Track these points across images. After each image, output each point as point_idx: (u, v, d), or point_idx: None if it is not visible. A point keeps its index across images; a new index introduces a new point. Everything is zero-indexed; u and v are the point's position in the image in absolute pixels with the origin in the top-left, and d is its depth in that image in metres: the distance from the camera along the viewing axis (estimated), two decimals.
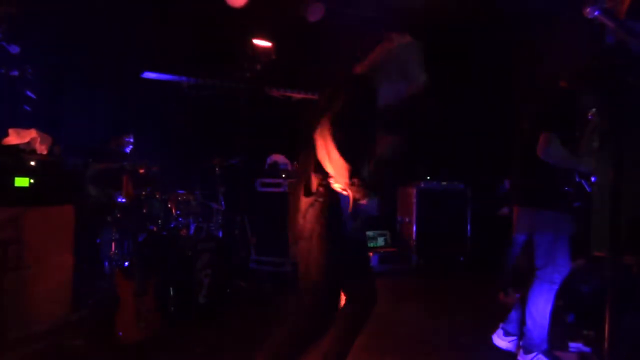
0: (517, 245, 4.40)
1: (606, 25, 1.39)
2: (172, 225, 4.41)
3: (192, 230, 4.59)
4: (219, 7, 5.47)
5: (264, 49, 5.57)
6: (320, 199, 2.12)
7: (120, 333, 3.23)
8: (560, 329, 3.52)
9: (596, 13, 1.38)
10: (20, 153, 3.39)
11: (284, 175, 5.87)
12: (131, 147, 4.96)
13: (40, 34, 4.69)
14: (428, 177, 6.62)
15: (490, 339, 3.41)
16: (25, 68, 4.39)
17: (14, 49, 4.37)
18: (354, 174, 2.00)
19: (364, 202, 2.06)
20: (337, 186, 2.10)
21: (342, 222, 2.13)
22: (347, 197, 2.08)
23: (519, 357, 3.17)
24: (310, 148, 2.16)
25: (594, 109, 3.09)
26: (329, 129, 2.01)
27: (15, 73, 4.47)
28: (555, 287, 3.03)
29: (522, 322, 3.17)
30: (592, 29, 1.48)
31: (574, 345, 3.36)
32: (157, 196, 4.43)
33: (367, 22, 6.37)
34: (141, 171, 4.52)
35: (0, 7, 4.15)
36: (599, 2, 1.37)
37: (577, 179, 2.99)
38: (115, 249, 4.20)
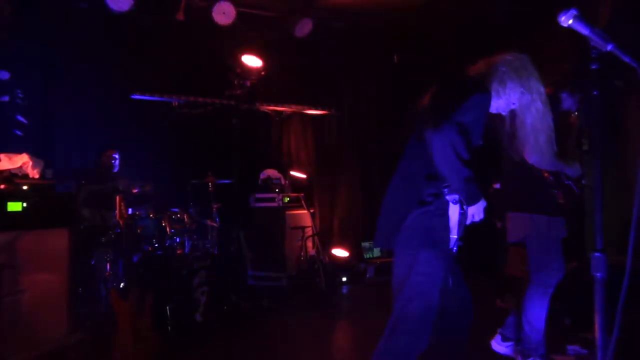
0: (508, 250, 4.44)
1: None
2: (167, 244, 4.40)
3: (187, 249, 4.58)
4: (207, 25, 5.53)
5: (253, 65, 5.63)
6: (432, 208, 2.01)
7: (118, 355, 3.21)
8: (558, 332, 3.53)
9: (570, 21, 1.42)
10: (13, 178, 3.40)
11: (277, 190, 5.89)
12: (117, 163, 4.97)
13: (29, 59, 4.72)
14: None
15: (489, 345, 3.42)
16: (15, 93, 4.42)
17: (4, 75, 4.40)
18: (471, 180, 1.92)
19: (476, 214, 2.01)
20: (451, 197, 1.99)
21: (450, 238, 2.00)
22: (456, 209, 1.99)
23: None
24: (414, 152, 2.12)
25: (576, 113, 3.15)
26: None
27: (6, 99, 4.50)
28: (550, 290, 3.05)
29: (519, 327, 3.19)
30: (574, 33, 1.52)
31: (571, 348, 3.37)
32: (151, 216, 4.43)
33: (355, 36, 6.46)
34: (134, 191, 4.52)
35: None
36: (572, 11, 1.42)
37: (565, 182, 3.02)
38: (110, 270, 4.18)
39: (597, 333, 1.59)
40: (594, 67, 1.50)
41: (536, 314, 3.04)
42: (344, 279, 5.86)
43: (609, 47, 1.45)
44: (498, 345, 3.37)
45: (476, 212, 2.02)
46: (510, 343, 3.31)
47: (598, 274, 1.57)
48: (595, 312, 1.66)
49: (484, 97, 2.09)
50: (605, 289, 1.64)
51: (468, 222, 2.04)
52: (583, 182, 3.11)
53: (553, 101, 3.09)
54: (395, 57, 6.83)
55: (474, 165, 1.95)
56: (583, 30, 1.44)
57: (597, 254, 1.56)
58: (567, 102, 3.10)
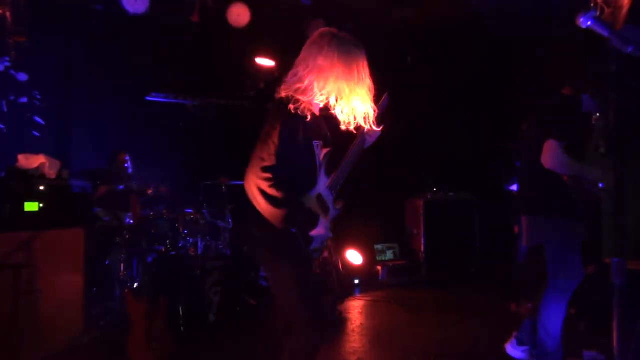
0: (522, 254, 4.38)
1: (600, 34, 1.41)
2: (180, 245, 4.43)
3: (200, 249, 4.60)
4: (221, 27, 5.56)
5: (267, 66, 5.64)
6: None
7: (132, 354, 3.24)
8: (574, 337, 3.48)
9: (589, 23, 1.40)
10: (30, 178, 3.44)
11: None
12: (130, 164, 5.01)
13: (47, 61, 4.78)
14: (435, 189, 6.61)
15: (504, 349, 3.38)
16: (33, 95, 4.48)
17: (23, 77, 4.47)
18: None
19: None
20: None
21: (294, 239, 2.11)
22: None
23: None
24: None
25: (597, 115, 3.09)
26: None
27: (24, 100, 4.56)
28: (568, 295, 3.00)
29: (535, 332, 3.14)
30: (592, 34, 1.49)
31: (588, 354, 3.32)
32: (165, 216, 4.46)
33: (369, 36, 6.44)
34: (149, 192, 4.56)
35: (9, 36, 4.25)
36: (591, 12, 1.39)
37: (585, 185, 2.97)
38: (124, 270, 4.21)
39: (615, 339, 1.56)
40: (613, 68, 1.47)
41: (553, 318, 3.00)
42: (357, 281, 5.85)
43: (630, 49, 1.42)
44: (514, 349, 3.33)
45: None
46: (526, 347, 3.27)
47: (617, 280, 1.54)
48: (612, 318, 1.62)
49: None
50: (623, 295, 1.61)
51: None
52: (601, 185, 3.06)
53: (573, 103, 3.05)
54: (409, 58, 6.80)
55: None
56: (603, 31, 1.41)
57: (616, 260, 1.52)
58: (588, 104, 3.05)
